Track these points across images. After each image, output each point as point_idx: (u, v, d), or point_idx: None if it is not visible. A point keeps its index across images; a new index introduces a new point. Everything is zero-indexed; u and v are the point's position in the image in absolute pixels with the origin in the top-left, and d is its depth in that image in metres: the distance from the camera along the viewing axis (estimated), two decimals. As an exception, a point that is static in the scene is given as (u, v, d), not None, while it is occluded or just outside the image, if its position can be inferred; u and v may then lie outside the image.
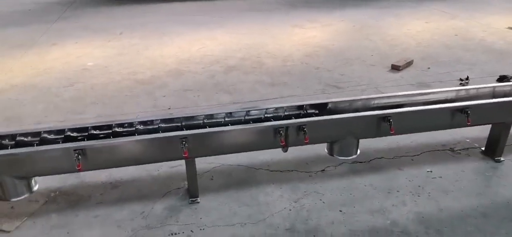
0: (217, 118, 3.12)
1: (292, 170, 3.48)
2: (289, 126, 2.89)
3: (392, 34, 7.73)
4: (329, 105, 3.28)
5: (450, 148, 3.80)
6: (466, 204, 3.05)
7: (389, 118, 2.98)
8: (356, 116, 2.98)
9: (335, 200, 3.11)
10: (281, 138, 2.86)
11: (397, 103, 3.33)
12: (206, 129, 2.88)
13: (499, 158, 3.58)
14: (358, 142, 3.18)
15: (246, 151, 3.12)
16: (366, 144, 3.62)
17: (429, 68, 5.89)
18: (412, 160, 3.62)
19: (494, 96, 3.58)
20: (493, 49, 6.81)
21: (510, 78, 5.31)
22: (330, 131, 3.00)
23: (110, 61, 6.33)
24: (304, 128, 2.88)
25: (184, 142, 2.72)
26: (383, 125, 3.00)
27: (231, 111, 3.16)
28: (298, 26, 8.37)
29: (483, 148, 3.73)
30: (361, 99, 3.31)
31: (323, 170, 3.48)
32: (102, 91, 5.24)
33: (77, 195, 3.21)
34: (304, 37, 7.53)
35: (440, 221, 2.89)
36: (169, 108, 4.69)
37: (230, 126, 2.92)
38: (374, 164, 3.57)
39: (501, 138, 3.50)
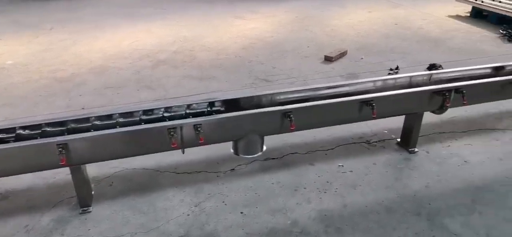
0: (110, 120, 2.88)
1: (200, 171, 3.30)
2: (182, 127, 2.70)
3: (333, 24, 7.67)
4: (240, 102, 3.11)
5: (367, 141, 3.73)
6: (372, 199, 2.97)
7: (289, 114, 2.84)
8: (252, 113, 2.82)
9: (238, 201, 2.96)
10: (173, 139, 2.66)
11: (304, 97, 3.20)
12: (87, 133, 2.64)
13: (413, 149, 3.54)
14: (262, 139, 3.04)
15: (134, 155, 2.90)
16: (282, 139, 3.50)
17: (362, 58, 5.85)
18: (326, 154, 3.52)
19: (411, 86, 3.51)
20: (429, 37, 6.87)
21: (439, 67, 5.32)
22: (227, 130, 2.83)
23: (32, 59, 5.93)
24: (198, 128, 2.69)
25: (61, 149, 2.48)
26: (285, 121, 2.86)
27: (126, 110, 2.94)
28: (240, 17, 8.18)
29: (399, 140, 3.68)
30: (266, 95, 3.15)
31: (233, 169, 3.32)
32: (16, 92, 4.88)
33: (-43, 209, 2.92)
34: (244, 29, 7.36)
35: (342, 218, 2.79)
36: (83, 108, 4.41)
37: (116, 129, 2.70)
38: (286, 160, 3.45)
39: (414, 129, 3.46)
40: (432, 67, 5.39)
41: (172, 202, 2.97)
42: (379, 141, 3.72)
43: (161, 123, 2.72)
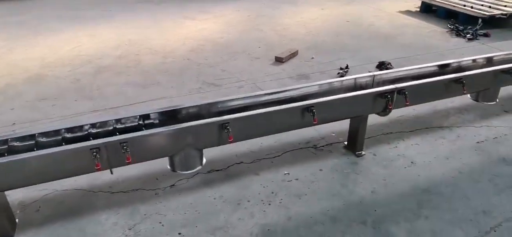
0: (28, 142, 2.60)
1: (137, 189, 3.07)
2: (107, 145, 2.47)
3: (284, 23, 7.57)
4: (177, 113, 2.91)
5: (314, 145, 3.62)
6: (317, 209, 2.86)
7: (226, 125, 2.67)
8: (185, 126, 2.62)
9: (177, 221, 2.76)
10: (96, 160, 2.43)
11: (244, 105, 3.04)
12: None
13: (360, 152, 3.46)
14: (201, 152, 2.85)
15: (55, 180, 2.64)
16: (228, 148, 3.33)
17: (313, 58, 5.77)
18: (272, 162, 3.38)
19: (354, 88, 3.43)
20: (380, 34, 6.90)
21: (388, 64, 5.33)
22: (158, 146, 2.63)
23: (-40, 70, 5.45)
24: (125, 145, 2.47)
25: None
26: (223, 133, 2.69)
27: (47, 130, 2.67)
28: (190, 18, 7.93)
29: (346, 143, 3.60)
30: (204, 105, 2.97)
31: (173, 185, 3.12)
32: None
33: None
34: (194, 30, 7.12)
35: (285, 232, 2.66)
36: (14, 124, 4.05)
37: (33, 152, 2.43)
38: (231, 171, 3.28)
39: (359, 132, 3.38)
40: (381, 65, 5.40)
41: (104, 227, 2.73)
42: (326, 145, 3.63)
43: (82, 143, 2.47)
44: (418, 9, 8.55)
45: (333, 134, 3.76)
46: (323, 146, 3.61)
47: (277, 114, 2.82)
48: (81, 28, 7.28)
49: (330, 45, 6.31)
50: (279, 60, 5.60)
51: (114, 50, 6.09)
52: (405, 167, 3.31)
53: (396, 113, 3.99)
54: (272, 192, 3.02)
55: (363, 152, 3.47)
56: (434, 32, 7.02)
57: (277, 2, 9.21)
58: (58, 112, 4.27)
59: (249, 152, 3.50)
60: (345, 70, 5.25)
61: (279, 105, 2.91)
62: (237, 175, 3.22)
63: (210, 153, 3.31)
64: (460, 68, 3.90)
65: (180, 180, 3.17)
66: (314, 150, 3.56)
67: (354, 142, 3.45)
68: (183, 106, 2.93)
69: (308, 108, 2.89)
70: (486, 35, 6.82)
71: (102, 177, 3.16)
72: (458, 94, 3.48)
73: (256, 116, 2.76)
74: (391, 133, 3.81)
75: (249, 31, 7.07)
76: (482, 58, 4.03)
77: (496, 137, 3.74)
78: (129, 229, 2.70)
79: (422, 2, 8.47)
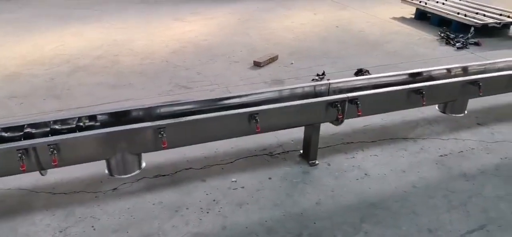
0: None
1: (78, 192, 3.04)
2: (35, 147, 2.44)
3: (273, 27, 7.50)
4: (119, 115, 2.87)
5: (270, 152, 3.54)
6: (255, 219, 2.78)
7: (161, 130, 2.62)
8: (117, 130, 2.58)
9: (110, 225, 2.71)
10: (22, 162, 2.40)
11: (191, 110, 2.99)
12: None
13: (313, 161, 3.37)
14: (139, 156, 2.80)
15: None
16: (181, 152, 3.27)
17: (292, 63, 5.69)
18: (222, 169, 3.32)
19: (308, 96, 3.34)
20: (367, 41, 6.78)
21: (365, 72, 5.22)
22: (89, 149, 2.59)
23: None
24: (52, 148, 2.44)
25: None
26: (157, 138, 2.64)
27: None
28: (180, 19, 7.92)
29: (302, 151, 3.51)
30: (145, 108, 2.92)
31: (116, 188, 3.07)
32: None
33: None
34: (180, 32, 7.10)
35: (216, 242, 2.59)
36: (-23, 120, 4.06)
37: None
38: (178, 176, 3.22)
39: (312, 141, 3.29)
40: (359, 72, 5.29)
41: (37, 227, 2.70)
42: (283, 152, 3.55)
43: (9, 144, 2.45)
44: (413, 16, 8.38)
45: (292, 142, 3.68)
46: (279, 153, 3.54)
47: (216, 121, 2.75)
48: (69, 27, 7.33)
49: (314, 51, 6.22)
50: (257, 65, 5.53)
51: (96, 50, 6.10)
52: (357, 179, 3.21)
53: (361, 121, 3.90)
54: (214, 200, 2.95)
55: (317, 162, 3.38)
56: (424, 40, 6.87)
57: (272, 5, 9.15)
58: (24, 110, 4.28)
59: (202, 158, 3.44)
60: (321, 76, 5.16)
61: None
62: (183, 181, 3.16)
63: (160, 157, 3.27)
64: (428, 78, 3.78)
65: (124, 184, 3.12)
66: (269, 157, 3.49)
67: (308, 151, 3.36)
68: (124, 109, 2.89)
69: (251, 115, 2.82)
70: (477, 44, 6.65)
71: (47, 178, 3.12)
72: (417, 105, 3.36)
73: (192, 123, 2.70)
74: (352, 142, 3.71)
75: (235, 34, 7.02)
76: (451, 68, 3.90)
77: (461, 151, 3.61)
78: (60, 231, 2.67)
79: (417, 9, 8.30)
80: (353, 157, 3.49)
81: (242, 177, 3.21)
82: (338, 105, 3.00)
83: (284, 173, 3.27)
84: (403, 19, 8.27)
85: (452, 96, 3.54)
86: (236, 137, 3.04)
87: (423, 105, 3.34)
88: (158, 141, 2.64)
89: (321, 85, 3.33)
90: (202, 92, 4.71)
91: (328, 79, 4.96)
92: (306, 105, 2.95)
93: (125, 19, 7.90)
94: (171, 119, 2.66)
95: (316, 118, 3.07)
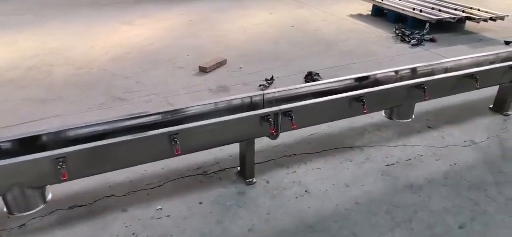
0: None
1: (-22, 231, 2.64)
2: None
3: (226, 28, 7.18)
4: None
5: (204, 172, 3.23)
6: (177, 254, 2.46)
7: (61, 160, 2.25)
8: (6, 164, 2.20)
9: (5, 273, 2.33)
10: None
11: (100, 132, 2.63)
12: None
13: (251, 179, 3.08)
14: (42, 189, 2.43)
15: None
16: (103, 177, 2.90)
17: (241, 67, 5.39)
18: (148, 194, 2.97)
19: (249, 107, 3.05)
20: (322, 40, 6.56)
21: (315, 75, 4.97)
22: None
23: None
24: None
25: None
26: (57, 169, 2.27)
27: None
28: (129, 23, 7.48)
29: (239, 168, 3.21)
30: (48, 133, 2.55)
31: (23, 225, 2.68)
32: None
33: None
34: (126, 36, 6.67)
35: (129, 286, 2.26)
36: None
37: None
38: (96, 207, 2.85)
39: (247, 157, 2.99)
40: (308, 75, 5.04)
41: None
42: (219, 171, 3.24)
43: None
44: (370, 13, 8.24)
45: (230, 157, 3.38)
46: (214, 172, 3.22)
47: (127, 145, 2.41)
48: (2, 35, 6.77)
49: (265, 53, 5.94)
50: (203, 70, 5.20)
51: (29, 60, 5.62)
52: (296, 197, 2.94)
53: (306, 130, 3.64)
54: (133, 234, 2.61)
55: (255, 180, 3.09)
56: (379, 38, 6.71)
57: (230, 5, 8.82)
58: None
59: (126, 182, 3.09)
60: (270, 81, 4.88)
61: (144, 131, 2.51)
62: (101, 211, 2.80)
63: (78, 184, 2.89)
64: (374, 82, 3.55)
65: (33, 218, 2.73)
66: (203, 177, 3.17)
67: (245, 169, 3.07)
68: (33, 134, 2.51)
69: (171, 136, 2.50)
70: (432, 40, 6.55)
71: None
72: (359, 114, 3.11)
73: (100, 149, 2.35)
74: (295, 155, 3.44)
75: (184, 37, 6.66)
76: (398, 70, 3.69)
77: (409, 159, 3.40)
78: None
79: (373, 6, 8.17)
80: (294, 172, 3.22)
81: (169, 203, 2.88)
82: (270, 119, 2.72)
83: (217, 195, 2.96)
84: (360, 16, 8.11)
85: (397, 102, 3.33)
86: (155, 161, 2.71)
87: (364, 113, 3.09)
88: (57, 172, 2.27)
89: (255, 96, 3.03)
90: (137, 104, 4.34)
91: (265, 85, 4.70)
92: (232, 121, 2.65)
93: (68, 25, 7.40)
94: (71, 147, 2.30)
95: (246, 134, 2.78)
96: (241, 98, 2.95)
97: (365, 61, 5.59)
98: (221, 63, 5.41)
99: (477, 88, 3.60)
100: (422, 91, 3.27)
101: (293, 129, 2.82)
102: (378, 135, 3.75)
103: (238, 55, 5.80)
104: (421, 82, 3.28)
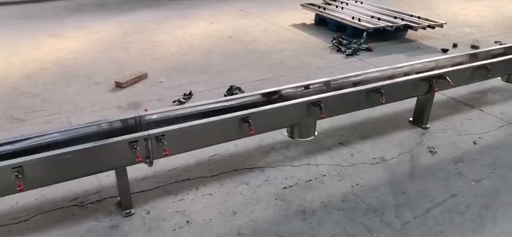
0: None
1: None
2: None
3: (160, 39, 6.90)
4: None
5: (81, 202, 2.94)
6: None
7: None
8: None
9: None
10: None
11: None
12: None
13: (128, 210, 2.81)
14: None
15: None
16: None
17: (162, 81, 5.12)
18: (10, 231, 2.66)
19: (122, 131, 2.78)
20: (256, 51, 6.36)
21: (235, 90, 4.75)
22: None
23: None
24: None
25: None
26: None
27: None
28: (58, 35, 7.10)
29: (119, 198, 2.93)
30: None
31: None
32: None
33: None
34: (49, 50, 6.30)
35: None
36: None
37: None
38: None
39: (122, 186, 2.72)
40: (229, 90, 4.82)
41: None
42: (98, 201, 2.95)
43: None
44: (313, 22, 8.13)
45: (115, 185, 3.09)
46: (92, 202, 2.94)
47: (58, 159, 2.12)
48: None
49: (193, 66, 5.69)
50: (119, 86, 4.90)
51: None
52: (174, 229, 2.69)
53: (209, 151, 3.40)
54: (-27, 280, 2.30)
55: (133, 211, 2.82)
56: (316, 48, 6.57)
57: (170, 15, 8.55)
58: None
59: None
60: (188, 96, 4.63)
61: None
62: None
63: None
64: (280, 98, 3.36)
65: None
66: (78, 209, 2.88)
67: (122, 197, 2.80)
68: None
69: (16, 168, 2.21)
70: (368, 49, 6.44)
71: None
72: (244, 136, 2.90)
73: None
74: (188, 179, 3.19)
75: (112, 50, 6.34)
76: (309, 84, 3.50)
77: (310, 180, 3.21)
78: None
79: (316, 15, 8.06)
80: (182, 200, 2.97)
81: (28, 242, 2.57)
82: (136, 146, 2.46)
83: (86, 230, 2.67)
84: (303, 26, 7.98)
85: (293, 120, 3.13)
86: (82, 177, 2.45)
87: (251, 135, 2.88)
88: None
89: (130, 118, 2.77)
90: (36, 124, 4.01)
91: (180, 101, 4.45)
92: (93, 149, 2.38)
93: (-9, 38, 6.97)
94: None
95: (114, 163, 2.51)
96: (110, 122, 2.68)
97: (294, 74, 5.42)
98: (140, 77, 5.13)
99: (383, 103, 3.45)
100: (319, 109, 3.09)
101: (165, 155, 2.57)
102: (284, 154, 3.55)
103: (163, 68, 5.53)
104: (317, 99, 3.10)
